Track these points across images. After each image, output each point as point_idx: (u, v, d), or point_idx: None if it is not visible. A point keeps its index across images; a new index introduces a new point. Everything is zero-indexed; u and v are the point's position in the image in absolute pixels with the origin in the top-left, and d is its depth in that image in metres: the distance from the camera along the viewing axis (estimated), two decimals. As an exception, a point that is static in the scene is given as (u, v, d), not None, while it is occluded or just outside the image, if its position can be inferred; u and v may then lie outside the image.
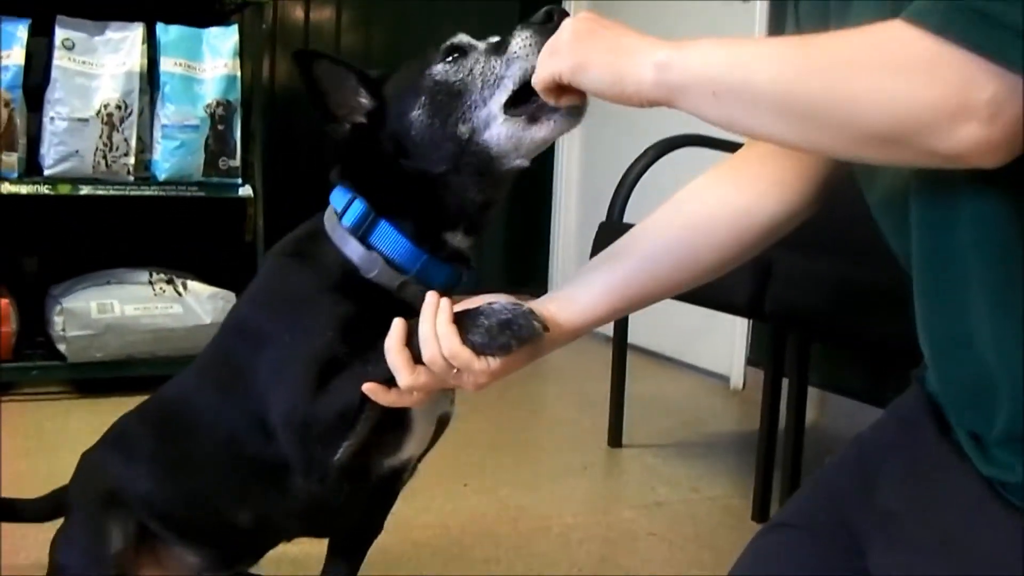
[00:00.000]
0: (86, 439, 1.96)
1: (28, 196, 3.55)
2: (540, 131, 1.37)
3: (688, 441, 3.40)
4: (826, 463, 1.51)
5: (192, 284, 3.84)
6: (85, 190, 3.60)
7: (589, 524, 2.63)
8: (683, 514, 2.71)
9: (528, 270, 5.65)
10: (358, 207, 1.46)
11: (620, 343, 3.28)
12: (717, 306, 2.98)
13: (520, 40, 1.38)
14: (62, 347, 3.62)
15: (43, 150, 3.57)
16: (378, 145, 1.46)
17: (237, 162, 3.80)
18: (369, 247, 1.45)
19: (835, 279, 2.41)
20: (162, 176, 3.69)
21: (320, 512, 1.59)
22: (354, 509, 1.63)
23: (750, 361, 4.10)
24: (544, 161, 5.42)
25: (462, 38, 1.46)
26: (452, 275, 1.49)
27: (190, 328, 3.72)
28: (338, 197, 1.50)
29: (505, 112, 1.38)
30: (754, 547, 1.46)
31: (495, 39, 1.45)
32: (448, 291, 1.43)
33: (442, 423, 1.60)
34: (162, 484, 1.71)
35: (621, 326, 3.27)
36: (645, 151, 3.25)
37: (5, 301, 3.61)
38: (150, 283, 3.79)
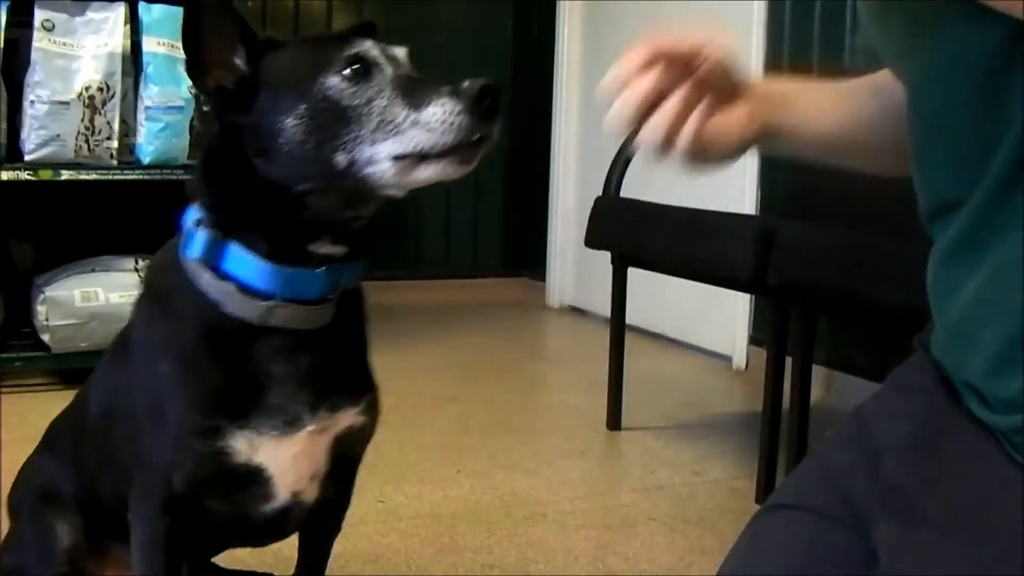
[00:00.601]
0: None
1: (8, 182, 3.46)
2: (426, 172, 1.24)
3: (689, 423, 3.31)
4: (824, 439, 1.44)
5: (179, 270, 3.74)
6: (67, 175, 3.50)
7: (587, 509, 2.54)
8: (684, 497, 2.62)
9: (526, 251, 5.58)
10: (202, 236, 1.29)
11: (618, 323, 3.19)
12: (718, 281, 2.90)
13: (443, 113, 1.20)
14: (46, 337, 3.53)
15: (23, 135, 3.47)
16: (238, 136, 1.28)
17: (224, 144, 3.69)
18: (222, 276, 1.29)
19: (840, 248, 2.32)
20: (146, 160, 3.59)
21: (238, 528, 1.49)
22: (276, 529, 1.50)
23: (753, 340, 4.01)
24: (541, 140, 5.34)
25: (370, 50, 1.27)
26: (327, 281, 1.32)
27: (177, 315, 3.63)
28: (189, 218, 1.33)
29: (392, 159, 1.23)
30: (752, 529, 1.39)
31: (406, 67, 1.29)
32: (326, 299, 1.32)
33: (352, 436, 1.44)
34: (85, 486, 1.64)
35: (619, 306, 3.17)
36: (641, 125, 3.16)
37: (-11, 292, 3.53)
38: (135, 270, 3.69)
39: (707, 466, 2.86)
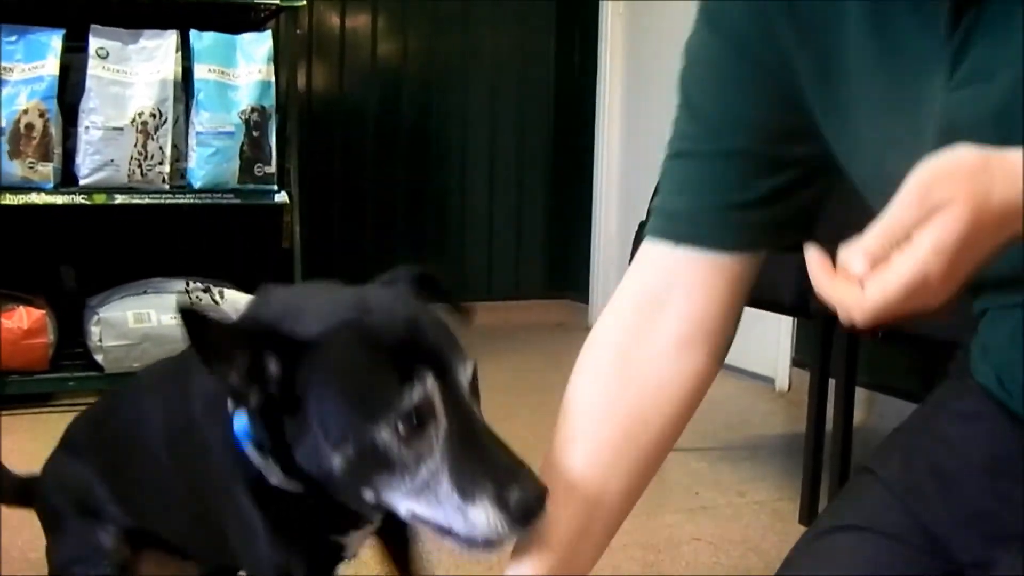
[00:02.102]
0: None
1: (63, 206, 3.54)
2: (442, 539, 1.17)
3: (733, 444, 3.33)
4: (877, 460, 1.45)
5: (228, 292, 3.82)
6: (120, 199, 3.58)
7: (632, 528, 2.56)
8: (729, 518, 2.65)
9: (569, 274, 5.61)
10: (243, 422, 1.26)
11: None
12: (762, 305, 2.91)
13: (485, 521, 1.11)
14: (99, 357, 3.61)
15: (78, 160, 3.56)
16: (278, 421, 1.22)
17: (273, 168, 3.77)
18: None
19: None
20: (197, 184, 3.67)
21: None
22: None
23: (795, 362, 4.03)
24: (583, 164, 5.37)
25: (431, 395, 1.13)
26: None
27: (227, 336, 3.69)
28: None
29: (415, 517, 1.17)
30: (813, 552, 1.36)
31: (465, 426, 1.15)
32: None
33: None
34: (128, 509, 1.70)
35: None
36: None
37: (42, 312, 3.60)
38: (187, 292, 3.78)
39: (751, 487, 2.89)
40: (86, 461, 1.78)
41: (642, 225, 3.13)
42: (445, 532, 1.15)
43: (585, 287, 5.45)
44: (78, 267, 4.19)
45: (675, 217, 1.31)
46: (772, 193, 1.26)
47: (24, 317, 3.55)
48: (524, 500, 1.10)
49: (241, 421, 1.25)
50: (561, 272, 5.68)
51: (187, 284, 3.81)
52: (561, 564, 1.22)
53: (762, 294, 2.70)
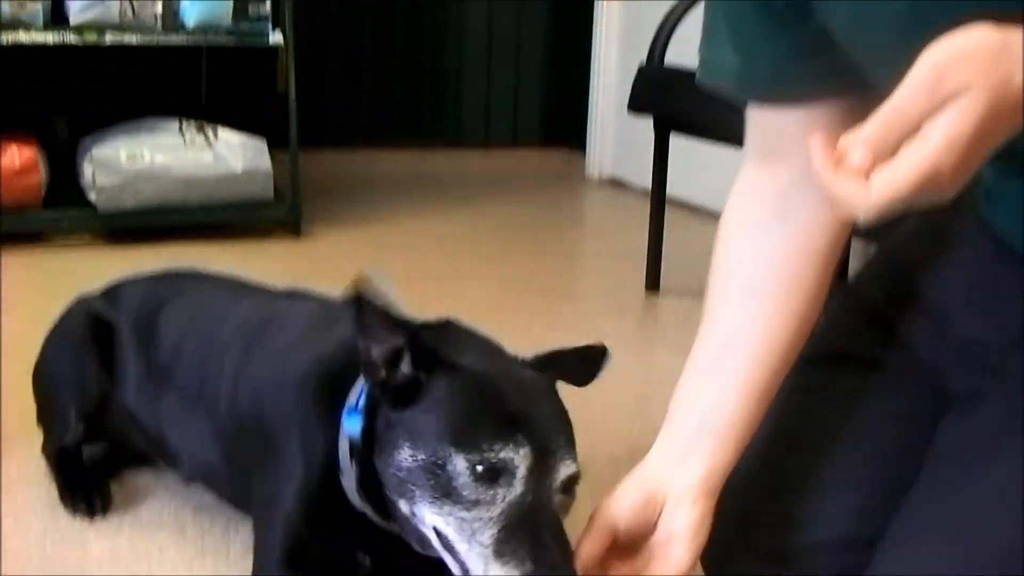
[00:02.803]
0: None
1: (55, 48, 3.49)
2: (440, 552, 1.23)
3: (728, 290, 3.33)
4: (858, 282, 1.44)
5: (223, 132, 3.78)
6: (111, 38, 3.51)
7: (625, 365, 2.55)
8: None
9: (567, 122, 5.55)
10: (356, 425, 1.29)
11: (659, 188, 3.22)
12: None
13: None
14: (92, 196, 3.59)
15: (68, -2, 3.49)
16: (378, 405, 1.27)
17: (267, 9, 3.69)
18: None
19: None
20: (190, 23, 3.59)
21: None
22: None
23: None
24: (584, 9, 5.28)
25: (518, 460, 1.16)
26: None
27: (221, 176, 3.68)
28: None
29: (437, 534, 1.21)
30: (808, 382, 1.37)
31: (533, 505, 1.16)
32: None
33: None
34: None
35: (660, 171, 3.19)
36: (688, -9, 3.15)
37: (33, 150, 3.56)
38: (180, 131, 3.73)
39: (744, 329, 2.88)
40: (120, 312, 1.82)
41: (642, 70, 3.10)
42: (456, 564, 1.18)
43: (583, 136, 5.39)
44: (70, 110, 4.14)
45: (751, 78, 1.24)
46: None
47: (16, 155, 3.51)
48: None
49: (354, 423, 1.29)
50: (559, 120, 5.62)
51: (181, 123, 3.77)
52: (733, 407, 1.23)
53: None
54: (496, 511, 1.15)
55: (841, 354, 1.39)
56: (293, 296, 1.69)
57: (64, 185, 3.71)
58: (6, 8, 3.38)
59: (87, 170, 3.58)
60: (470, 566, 1.16)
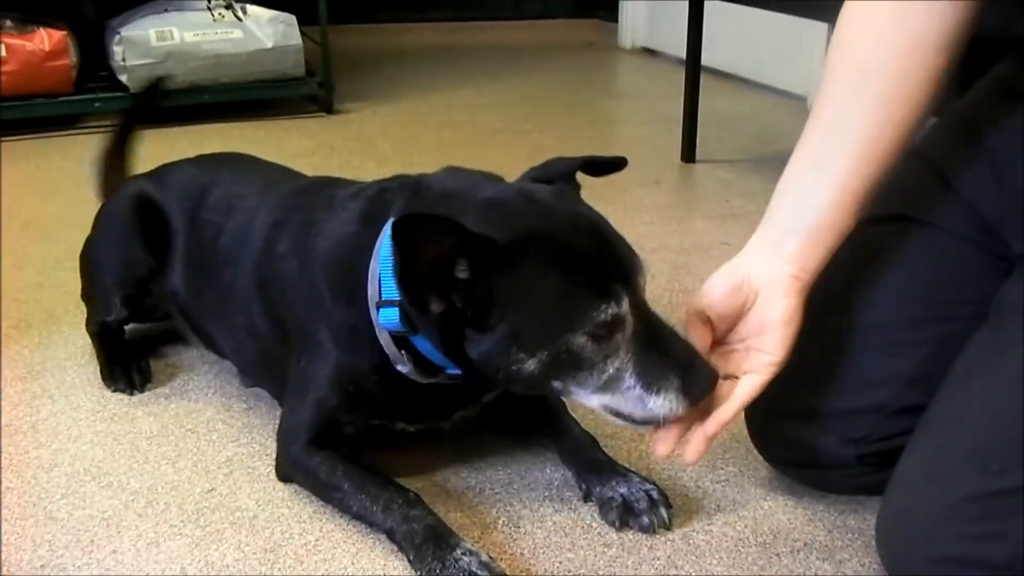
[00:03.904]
0: (152, 165, 1.99)
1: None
2: (615, 421, 1.27)
3: (764, 157, 3.30)
4: (927, 140, 1.41)
5: (251, 8, 3.74)
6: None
7: (662, 233, 2.58)
8: (757, 224, 2.62)
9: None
10: (395, 319, 1.27)
11: (693, 62, 3.16)
12: (795, 10, 2.85)
13: (667, 407, 1.21)
14: (123, 77, 3.57)
15: None
16: (457, 330, 1.23)
17: None
18: (401, 344, 1.32)
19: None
20: None
21: None
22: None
23: (829, 79, 3.94)
24: None
25: (623, 309, 1.19)
26: None
27: (252, 52, 3.66)
28: (387, 278, 1.27)
29: (601, 405, 1.26)
30: (870, 242, 1.38)
31: (645, 328, 1.22)
32: None
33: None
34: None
35: (694, 44, 3.13)
36: None
37: (63, 33, 3.54)
38: (208, 9, 3.69)
39: (781, 196, 2.86)
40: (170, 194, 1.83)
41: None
42: (623, 417, 1.25)
43: (614, 6, 5.31)
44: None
45: None
46: None
47: (45, 39, 3.49)
48: (700, 387, 1.21)
49: (390, 315, 1.28)
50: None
51: (209, 1, 3.72)
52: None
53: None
54: (623, 353, 1.22)
55: (904, 215, 1.38)
56: (320, 185, 1.65)
57: (93, 68, 3.70)
58: None
59: (117, 51, 3.56)
60: (634, 413, 1.23)
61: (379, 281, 1.30)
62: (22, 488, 1.48)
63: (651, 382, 1.21)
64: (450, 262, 1.16)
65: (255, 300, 1.58)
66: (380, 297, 1.29)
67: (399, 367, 1.35)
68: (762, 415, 1.42)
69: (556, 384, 1.24)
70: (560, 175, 1.37)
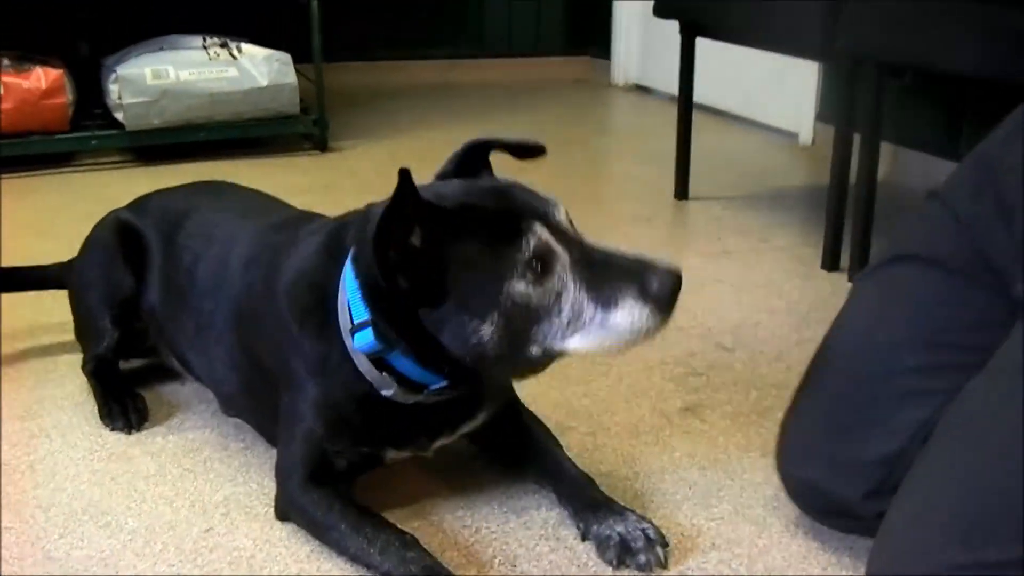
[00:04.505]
0: None
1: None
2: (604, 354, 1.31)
3: (756, 194, 3.33)
4: (948, 185, 1.43)
5: (246, 47, 3.77)
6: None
7: (655, 271, 2.59)
8: (751, 262, 2.66)
9: (590, 29, 5.51)
10: (370, 339, 1.32)
11: (686, 93, 3.19)
12: (788, 49, 2.87)
13: (631, 319, 1.23)
14: (119, 115, 3.60)
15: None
16: (416, 314, 1.29)
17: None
18: (381, 366, 1.36)
19: (913, 10, 2.28)
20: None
21: None
22: None
23: (820, 116, 3.97)
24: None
25: (542, 238, 1.25)
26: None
27: (247, 91, 3.69)
28: (355, 301, 1.33)
29: (579, 350, 1.29)
30: (879, 279, 1.42)
31: (585, 252, 1.27)
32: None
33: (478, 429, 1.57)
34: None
35: (686, 76, 3.16)
36: None
37: (60, 72, 3.57)
38: (204, 48, 3.73)
39: (773, 234, 2.89)
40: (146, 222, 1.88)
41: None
42: (608, 348, 1.27)
43: (607, 43, 5.35)
44: (91, 29, 4.13)
45: None
46: None
47: (42, 77, 3.52)
48: (662, 285, 1.22)
49: (365, 337, 1.32)
50: (583, 28, 5.57)
51: (204, 39, 3.76)
52: None
53: (787, 38, 2.67)
54: (571, 285, 1.25)
55: (920, 256, 1.39)
56: (293, 221, 1.68)
57: (88, 106, 3.73)
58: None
59: (113, 89, 3.59)
60: (607, 339, 1.25)
61: (348, 308, 1.34)
62: (20, 528, 1.49)
63: (607, 299, 1.24)
64: (409, 229, 1.23)
65: (233, 335, 1.62)
66: (352, 323, 1.33)
67: (384, 392, 1.37)
68: (789, 462, 1.44)
69: (532, 349, 1.27)
70: (477, 156, 1.44)
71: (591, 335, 1.26)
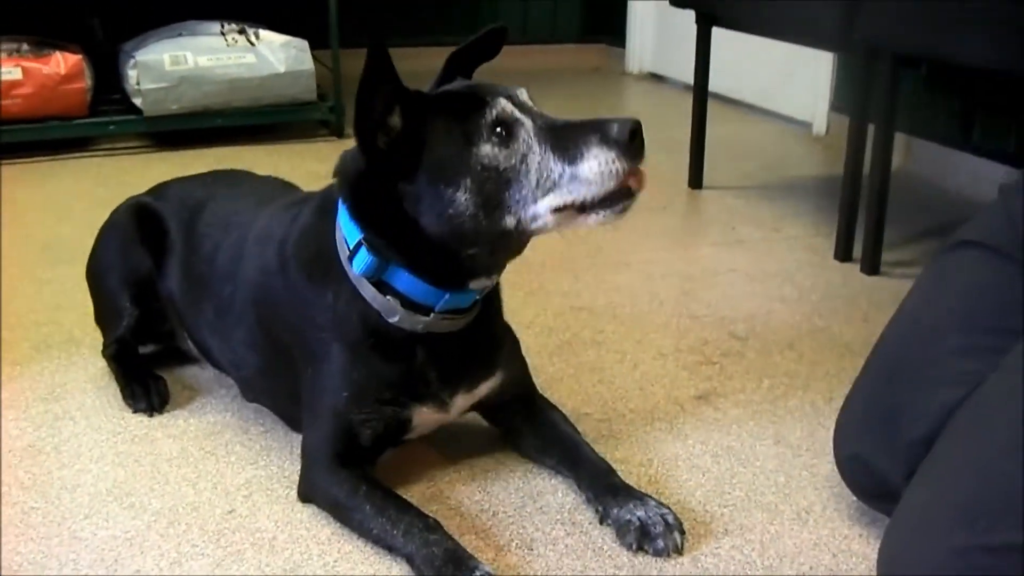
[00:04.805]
0: None
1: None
2: (585, 221, 1.35)
3: (770, 184, 3.35)
4: (1010, 185, 1.50)
5: (264, 33, 3.80)
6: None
7: (670, 259, 2.62)
8: (764, 252, 2.69)
9: (606, 17, 5.53)
10: (365, 257, 1.42)
11: (701, 83, 3.21)
12: (804, 39, 2.89)
13: (598, 165, 1.31)
14: (138, 101, 3.63)
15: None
16: (398, 197, 1.38)
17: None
18: (385, 290, 1.43)
19: (928, 2, 2.29)
20: (231, -78, 3.61)
21: None
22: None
23: (833, 107, 3.99)
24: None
25: (505, 107, 1.36)
26: (477, 293, 1.49)
27: (265, 77, 3.71)
28: (348, 228, 1.44)
29: (553, 212, 1.34)
30: (940, 265, 1.52)
31: (534, 109, 1.39)
32: (473, 308, 1.49)
33: (494, 392, 1.62)
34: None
35: (702, 66, 3.18)
36: None
37: (78, 57, 3.60)
38: (222, 34, 3.75)
39: (786, 224, 2.92)
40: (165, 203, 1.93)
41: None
42: (587, 208, 1.33)
43: (622, 32, 5.37)
44: (108, 15, 4.15)
45: None
46: None
47: (61, 62, 3.55)
48: (621, 128, 1.28)
49: (362, 260, 1.41)
50: (598, 16, 5.59)
51: (222, 26, 3.78)
52: None
53: (805, 26, 2.69)
54: (536, 147, 1.34)
55: (973, 242, 1.48)
56: (303, 200, 1.73)
57: (106, 91, 3.76)
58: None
59: (131, 75, 3.61)
60: (585, 195, 1.32)
61: (345, 242, 1.44)
62: (46, 508, 1.52)
63: (573, 154, 1.32)
64: (390, 107, 1.35)
65: (252, 315, 1.66)
66: (349, 249, 1.44)
67: (391, 319, 1.44)
68: (842, 441, 1.51)
69: (507, 220, 1.34)
70: (460, 71, 1.54)
71: (563, 190, 1.33)
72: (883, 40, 2.40)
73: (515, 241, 1.40)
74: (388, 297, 1.43)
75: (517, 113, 1.36)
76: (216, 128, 3.71)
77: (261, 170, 2.13)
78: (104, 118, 3.66)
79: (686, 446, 1.71)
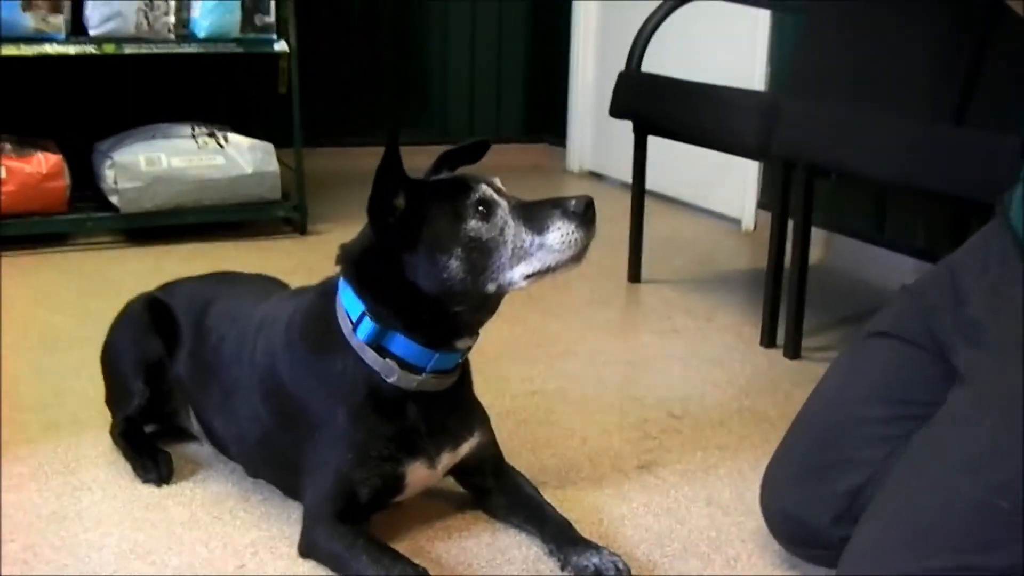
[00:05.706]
0: (143, 281, 2.32)
1: (73, 57, 3.74)
2: (550, 277, 1.67)
3: (703, 277, 3.65)
4: (919, 281, 1.79)
5: (232, 136, 4.04)
6: (129, 49, 3.78)
7: (612, 348, 2.89)
8: (698, 339, 2.97)
9: (546, 119, 5.81)
10: (368, 325, 1.71)
11: (639, 186, 3.49)
12: (729, 149, 3.16)
13: (561, 234, 1.62)
14: (114, 199, 3.84)
15: (87, 11, 3.74)
16: (400, 266, 1.68)
17: (272, 19, 3.99)
18: (384, 354, 1.72)
19: (837, 122, 2.60)
20: (202, 34, 3.87)
21: None
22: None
23: (761, 204, 4.27)
24: (562, 12, 5.51)
25: (486, 191, 1.66)
26: (460, 355, 1.79)
27: (233, 178, 3.96)
28: (350, 303, 1.73)
29: (525, 277, 1.65)
30: (854, 351, 1.80)
31: (519, 203, 1.67)
32: (456, 368, 1.79)
33: (473, 453, 1.89)
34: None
35: (639, 170, 3.47)
36: (663, 2, 3.45)
37: (59, 157, 3.81)
38: (193, 136, 3.99)
39: (718, 313, 3.22)
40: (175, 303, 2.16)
41: (622, 76, 3.38)
42: (552, 269, 1.65)
43: (563, 131, 5.67)
44: (84, 113, 4.36)
45: None
46: None
47: (42, 162, 3.76)
48: (578, 203, 1.63)
49: (366, 328, 1.71)
50: (539, 117, 5.87)
51: (193, 128, 4.02)
52: None
53: (729, 138, 2.99)
54: (511, 222, 1.64)
55: (887, 333, 1.75)
56: (298, 291, 2.04)
57: (82, 188, 3.96)
58: (30, 22, 3.63)
59: (108, 174, 3.84)
60: (549, 262, 1.64)
61: (349, 319, 1.73)
62: (78, 566, 1.74)
63: (540, 226, 1.63)
64: (395, 192, 1.65)
65: (257, 393, 1.89)
66: (351, 321, 1.72)
67: (390, 378, 1.71)
68: (771, 495, 1.77)
69: (488, 285, 1.65)
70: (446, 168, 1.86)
71: (533, 259, 1.64)
72: (796, 152, 2.69)
73: (494, 301, 1.71)
74: (387, 360, 1.70)
75: (495, 195, 1.67)
76: (187, 225, 3.93)
77: (230, 265, 2.38)
78: (82, 215, 3.86)
79: (631, 508, 1.97)
